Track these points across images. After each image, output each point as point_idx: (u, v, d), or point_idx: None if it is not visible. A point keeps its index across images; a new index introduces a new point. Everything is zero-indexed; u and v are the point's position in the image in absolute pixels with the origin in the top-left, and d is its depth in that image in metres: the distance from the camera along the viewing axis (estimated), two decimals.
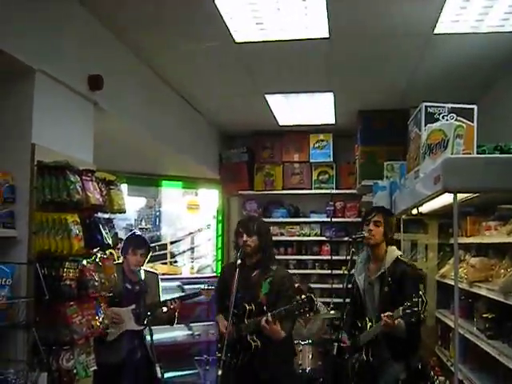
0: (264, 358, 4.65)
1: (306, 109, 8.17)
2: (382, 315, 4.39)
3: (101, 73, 4.76)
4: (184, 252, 11.28)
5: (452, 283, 4.72)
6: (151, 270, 6.15)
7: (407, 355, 4.72)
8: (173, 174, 9.37)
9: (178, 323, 5.89)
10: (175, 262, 11.02)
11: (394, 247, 5.03)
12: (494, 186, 3.76)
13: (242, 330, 4.66)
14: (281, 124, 8.95)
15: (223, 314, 4.85)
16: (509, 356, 3.66)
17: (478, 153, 4.48)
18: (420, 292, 4.43)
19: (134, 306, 5.37)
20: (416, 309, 4.23)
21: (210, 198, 10.11)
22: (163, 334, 7.03)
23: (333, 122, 8.79)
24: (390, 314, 4.36)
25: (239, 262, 4.67)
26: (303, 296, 4.54)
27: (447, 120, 4.59)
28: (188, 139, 7.89)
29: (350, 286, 5.19)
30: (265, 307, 4.63)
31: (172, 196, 10.43)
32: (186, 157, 7.85)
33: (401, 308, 4.31)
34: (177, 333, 7.82)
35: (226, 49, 5.65)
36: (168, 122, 6.99)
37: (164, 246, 11.21)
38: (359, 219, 9.00)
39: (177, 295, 5.73)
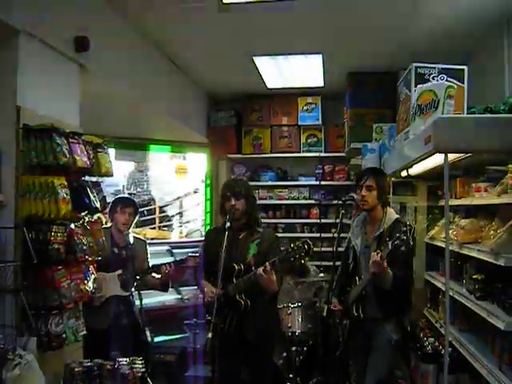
0: (252, 318, 4.66)
1: (294, 71, 8.08)
2: (373, 253, 4.41)
3: (87, 34, 4.68)
4: (173, 216, 11.29)
5: (441, 245, 4.74)
6: (139, 236, 6.15)
7: (398, 314, 4.75)
8: (161, 138, 9.28)
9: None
10: (164, 226, 11.05)
11: (392, 210, 5.06)
12: (485, 147, 3.74)
13: (231, 290, 4.66)
14: (269, 87, 8.86)
15: (210, 279, 4.84)
16: (497, 316, 3.67)
17: (468, 114, 4.45)
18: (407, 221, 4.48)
19: (120, 272, 5.37)
20: (404, 237, 4.28)
21: (198, 162, 10.07)
22: (152, 299, 7.02)
23: (321, 84, 8.72)
24: (379, 251, 4.39)
25: (228, 224, 4.64)
26: (297, 242, 4.52)
27: (437, 81, 4.55)
28: (176, 102, 7.82)
29: (342, 249, 5.20)
30: (253, 268, 4.63)
31: (160, 160, 10.40)
32: (173, 120, 7.78)
33: (389, 242, 4.36)
34: (166, 297, 7.82)
35: (215, 9, 5.55)
36: (156, 85, 6.91)
37: (152, 211, 11.22)
38: (348, 182, 9.07)
39: (167, 260, 5.72)
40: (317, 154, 9.55)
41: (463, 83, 4.63)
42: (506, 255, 3.58)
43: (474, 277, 4.35)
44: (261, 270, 4.45)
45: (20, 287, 3.75)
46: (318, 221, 9.43)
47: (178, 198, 11.24)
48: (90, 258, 4.31)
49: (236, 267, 4.69)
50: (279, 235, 8.22)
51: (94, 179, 4.50)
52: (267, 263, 4.45)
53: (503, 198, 3.94)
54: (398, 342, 4.72)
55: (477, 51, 6.64)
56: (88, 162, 4.22)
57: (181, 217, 11.25)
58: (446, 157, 3.74)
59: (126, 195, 6.21)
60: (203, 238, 5.52)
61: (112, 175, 4.72)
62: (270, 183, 9.76)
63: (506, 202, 3.90)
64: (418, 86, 4.56)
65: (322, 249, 9.06)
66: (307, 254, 4.52)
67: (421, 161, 4.38)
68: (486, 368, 3.82)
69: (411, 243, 4.39)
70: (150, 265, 5.70)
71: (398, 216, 5.01)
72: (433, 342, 5.33)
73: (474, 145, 3.72)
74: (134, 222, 5.71)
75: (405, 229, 4.31)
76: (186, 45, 6.85)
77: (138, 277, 5.34)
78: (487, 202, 4.30)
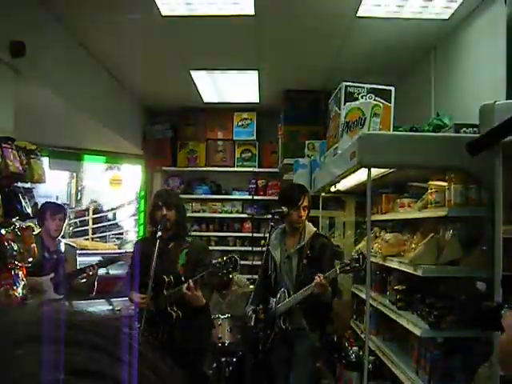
0: (184, 329, 4.71)
1: (230, 86, 8.22)
2: (316, 276, 4.47)
3: (24, 40, 4.69)
4: (106, 227, 11.23)
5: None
6: (70, 243, 6.14)
7: (322, 325, 4.88)
8: (96, 149, 9.26)
9: (98, 298, 5.88)
10: (98, 237, 10.98)
11: (310, 223, 5.18)
12: (406, 162, 3.91)
13: (161, 301, 4.69)
14: (205, 101, 8.96)
15: (141, 290, 4.85)
16: (416, 324, 3.84)
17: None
18: (359, 250, 4.67)
19: (52, 275, 5.35)
20: (357, 264, 4.38)
21: (133, 174, 10.07)
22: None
23: (257, 100, 8.88)
24: (323, 275, 4.46)
25: (159, 234, 4.68)
26: (225, 258, 4.61)
27: (366, 99, 4.72)
28: (112, 113, 7.83)
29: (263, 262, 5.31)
30: (183, 278, 4.66)
31: (95, 171, 10.35)
32: (109, 131, 7.78)
33: (338, 267, 4.47)
34: (97, 308, 7.78)
35: (153, 22, 5.64)
36: (92, 95, 6.92)
37: (86, 222, 11.14)
38: None
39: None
40: (251, 169, 9.69)
41: (390, 103, 4.81)
42: (423, 266, 3.75)
43: (396, 288, 4.53)
44: (184, 287, 4.51)
45: None
46: (251, 234, 9.54)
47: (112, 209, 11.20)
48: (19, 264, 4.30)
49: (166, 279, 4.72)
50: (212, 248, 8.30)
51: (26, 185, 4.49)
52: (190, 280, 4.51)
53: (424, 212, 4.13)
54: (321, 350, 4.85)
55: (407, 73, 6.91)
56: (20, 168, 4.23)
57: (115, 228, 11.21)
58: (369, 171, 3.89)
59: (55, 201, 6.17)
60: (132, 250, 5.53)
61: (45, 182, 4.73)
62: (203, 196, 9.82)
63: (426, 216, 4.12)
64: (347, 103, 4.73)
65: (254, 262, 9.16)
66: (234, 270, 4.63)
67: (347, 176, 4.54)
68: (405, 374, 3.98)
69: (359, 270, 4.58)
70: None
71: (315, 229, 5.16)
72: (357, 350, 5.48)
73: (395, 160, 3.89)
74: (64, 226, 5.72)
75: (357, 257, 4.41)
76: (124, 56, 6.87)
77: (69, 280, 5.35)
78: (409, 217, 4.50)
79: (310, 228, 5.06)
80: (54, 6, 5.35)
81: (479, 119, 2.91)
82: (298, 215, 4.95)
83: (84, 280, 5.50)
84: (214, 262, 4.65)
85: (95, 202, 11.38)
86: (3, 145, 4.06)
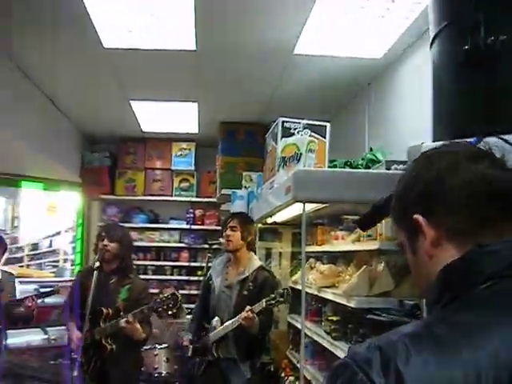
0: (115, 363, 4.70)
1: (170, 117, 8.32)
2: (245, 310, 4.53)
3: None
4: (42, 255, 11.07)
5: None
6: (7, 270, 6.07)
7: (253, 354, 4.94)
8: (33, 175, 9.18)
9: (33, 327, 5.82)
10: (33, 264, 10.81)
11: (256, 256, 5.24)
12: (339, 198, 4.03)
13: (97, 333, 4.69)
14: (144, 130, 9.04)
15: (76, 320, 4.85)
16: None
17: (329, 167, 4.78)
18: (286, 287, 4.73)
19: None
20: (282, 299, 4.52)
21: (70, 201, 10.01)
22: (16, 339, 6.88)
23: (196, 131, 8.99)
24: (250, 307, 4.53)
25: (97, 264, 4.70)
26: (166, 294, 4.67)
27: (301, 135, 4.85)
28: (50, 140, 7.81)
29: (202, 289, 5.36)
30: (122, 313, 4.70)
31: (31, 197, 10.24)
32: (47, 157, 7.78)
33: (264, 300, 4.53)
34: (31, 337, 7.67)
35: (94, 53, 5.71)
36: (30, 121, 6.92)
37: (21, 249, 10.97)
38: (218, 227, 9.21)
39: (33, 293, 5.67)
40: (188, 199, 9.77)
41: (325, 138, 4.95)
42: (356, 298, 3.89)
43: (331, 318, 4.65)
44: (123, 321, 4.55)
45: None
46: (188, 264, 9.57)
47: (49, 236, 11.06)
48: None
49: (104, 311, 4.73)
50: (149, 277, 8.31)
51: None
52: (129, 314, 4.56)
53: (357, 245, 4.28)
54: (255, 380, 4.90)
55: (343, 108, 7.13)
56: None
57: (51, 255, 11.06)
58: (303, 206, 4.02)
59: None
60: (74, 278, 5.52)
61: None
62: (141, 225, 9.83)
63: (359, 249, 4.28)
64: (283, 139, 4.85)
65: (191, 291, 9.20)
66: (175, 306, 4.70)
67: (283, 209, 4.65)
68: None
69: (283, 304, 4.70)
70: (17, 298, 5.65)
71: (261, 263, 5.20)
72: (293, 380, 5.55)
73: (329, 196, 4.02)
74: (3, 258, 5.65)
75: (281, 291, 4.54)
76: (63, 84, 6.91)
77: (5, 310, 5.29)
78: (343, 249, 4.64)
79: (255, 261, 5.09)
80: None
81: (408, 158, 3.06)
82: (226, 234, 5.03)
83: (22, 310, 5.46)
84: (155, 298, 4.73)
85: (31, 228, 11.23)
86: None
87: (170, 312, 4.75)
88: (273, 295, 4.55)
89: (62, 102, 7.74)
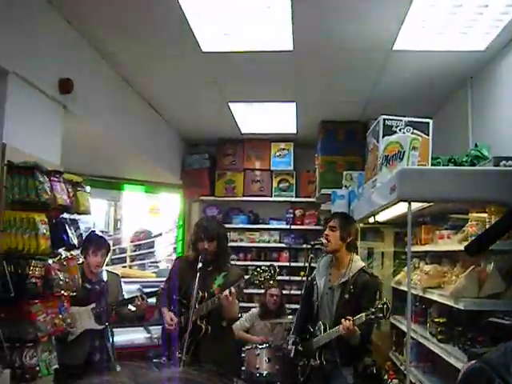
0: (209, 345, 4.77)
1: (268, 118, 8.31)
2: (343, 320, 4.46)
3: (71, 76, 4.86)
4: (144, 255, 11.34)
5: (406, 289, 4.91)
6: (112, 270, 6.21)
7: (355, 360, 4.84)
8: (135, 178, 9.42)
9: (136, 326, 5.93)
10: (135, 265, 11.08)
11: (358, 257, 5.12)
12: (445, 197, 3.94)
13: (193, 314, 4.72)
14: (243, 132, 9.07)
15: (170, 307, 4.98)
16: (458, 358, 3.83)
17: (432, 164, 4.66)
18: (385, 299, 4.58)
19: (93, 306, 5.42)
20: (381, 315, 4.37)
21: (171, 203, 10.19)
22: (121, 337, 7.05)
23: (294, 131, 8.95)
24: (351, 318, 4.44)
25: (200, 265, 4.77)
26: (263, 266, 4.73)
27: (404, 133, 4.76)
28: (152, 144, 7.97)
29: (305, 290, 5.31)
30: (215, 296, 4.78)
31: (134, 199, 10.49)
32: (149, 161, 7.94)
33: (363, 314, 4.40)
34: (135, 335, 7.84)
35: (193, 57, 5.77)
36: (133, 127, 7.08)
37: (124, 250, 11.27)
38: (318, 227, 9.19)
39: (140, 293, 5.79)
40: (288, 199, 9.73)
41: (428, 135, 4.85)
42: (464, 299, 3.77)
43: (436, 320, 4.53)
44: (227, 291, 4.61)
45: None
46: (288, 264, 9.55)
47: (151, 238, 11.32)
48: (65, 293, 4.39)
49: (200, 293, 4.80)
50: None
51: (72, 217, 4.60)
52: (232, 287, 4.62)
53: (464, 245, 4.14)
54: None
55: (444, 104, 6.94)
56: (68, 200, 4.33)
57: (153, 256, 11.31)
58: (409, 205, 3.93)
59: (99, 234, 6.19)
60: (172, 266, 5.65)
61: (90, 213, 4.84)
62: (241, 226, 9.87)
63: None
64: (386, 137, 4.77)
65: (291, 292, 9.19)
66: (272, 278, 4.72)
67: (386, 208, 4.58)
68: None
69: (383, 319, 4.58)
70: (125, 297, 5.78)
71: (364, 265, 5.06)
72: (397, 383, 5.47)
73: (435, 195, 3.92)
74: (107, 260, 5.79)
75: (380, 306, 4.39)
76: (163, 88, 7.02)
77: (113, 310, 5.42)
78: (449, 249, 4.50)
79: (358, 263, 4.96)
80: (98, 43, 5.52)
81: None
82: (324, 234, 4.97)
83: (132, 309, 5.59)
84: (252, 271, 4.86)
85: (134, 230, 11.52)
86: (52, 178, 4.17)
87: (267, 283, 4.75)
88: (373, 309, 4.41)
89: (162, 106, 7.87)
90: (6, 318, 3.90)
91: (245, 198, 9.79)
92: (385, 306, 4.37)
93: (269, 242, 9.84)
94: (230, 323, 5.04)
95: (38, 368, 4.06)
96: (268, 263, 9.40)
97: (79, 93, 5.04)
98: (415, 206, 4.15)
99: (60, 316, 4.33)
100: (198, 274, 4.73)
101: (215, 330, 4.82)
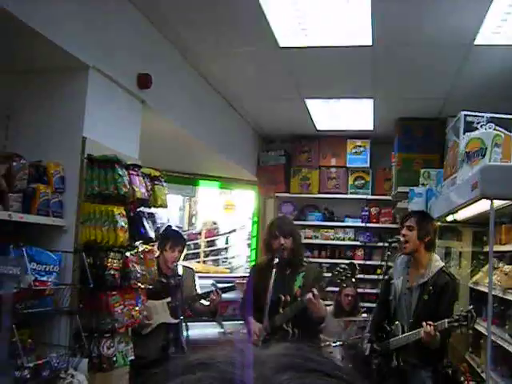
0: None
1: (344, 114, 8.25)
2: (424, 324, 4.33)
3: (149, 72, 4.93)
4: (218, 251, 11.42)
5: (485, 290, 4.79)
6: (187, 265, 6.27)
7: (434, 361, 4.74)
8: (211, 174, 9.49)
9: (210, 320, 5.97)
10: (209, 260, 11.16)
11: (438, 256, 4.96)
12: None
13: (277, 320, 4.72)
14: (318, 129, 9.03)
15: (255, 315, 4.91)
16: None
17: None
18: (470, 306, 4.45)
19: (169, 299, 5.47)
20: (465, 323, 4.24)
21: (246, 199, 10.23)
22: (194, 331, 7.11)
23: (371, 128, 8.86)
24: (433, 323, 4.31)
25: (277, 261, 4.75)
26: (342, 265, 4.68)
27: (486, 129, 4.64)
28: (228, 140, 8.02)
29: (382, 289, 5.24)
30: (299, 299, 4.71)
31: (209, 195, 10.57)
32: (224, 157, 7.98)
33: (446, 320, 4.28)
34: (209, 330, 7.90)
35: (270, 52, 5.77)
36: (210, 123, 7.13)
37: (198, 245, 11.37)
38: (393, 225, 9.07)
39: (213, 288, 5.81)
40: (364, 196, 9.65)
41: (511, 132, 4.71)
42: None
43: None
44: (310, 294, 4.52)
45: (75, 309, 3.90)
46: (363, 262, 9.46)
47: (225, 233, 11.38)
48: (142, 286, 4.46)
49: (283, 298, 4.77)
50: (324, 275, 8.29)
51: (149, 210, 4.66)
52: (314, 288, 4.54)
53: None
54: None
55: None
56: (146, 194, 4.40)
57: (226, 252, 11.38)
58: (492, 203, 3.83)
59: (176, 229, 6.23)
60: (248, 275, 5.63)
61: (167, 207, 4.89)
62: (316, 223, 9.85)
63: None
64: (466, 133, 4.66)
65: (366, 290, 9.11)
66: (353, 275, 4.66)
67: (467, 206, 4.47)
68: None
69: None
70: (199, 292, 5.83)
71: (443, 265, 4.88)
72: None
73: None
74: (183, 254, 5.84)
75: (465, 314, 4.26)
76: (240, 84, 7.06)
77: (188, 304, 5.47)
78: None
79: (437, 263, 4.81)
80: (176, 39, 5.57)
81: None
82: (402, 233, 4.84)
83: (208, 304, 5.63)
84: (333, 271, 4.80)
85: (208, 225, 11.61)
86: (131, 171, 4.23)
87: (349, 281, 4.86)
88: (456, 316, 4.28)
89: (238, 102, 7.90)
90: (85, 309, 3.99)
91: (320, 195, 9.75)
92: (469, 314, 4.24)
93: (343, 239, 9.78)
94: (319, 322, 4.97)
95: (114, 358, 4.15)
96: (342, 261, 9.48)
97: (157, 88, 5.10)
98: (496, 204, 4.03)
99: (137, 308, 4.39)
100: (277, 276, 4.70)
101: (303, 332, 4.76)
